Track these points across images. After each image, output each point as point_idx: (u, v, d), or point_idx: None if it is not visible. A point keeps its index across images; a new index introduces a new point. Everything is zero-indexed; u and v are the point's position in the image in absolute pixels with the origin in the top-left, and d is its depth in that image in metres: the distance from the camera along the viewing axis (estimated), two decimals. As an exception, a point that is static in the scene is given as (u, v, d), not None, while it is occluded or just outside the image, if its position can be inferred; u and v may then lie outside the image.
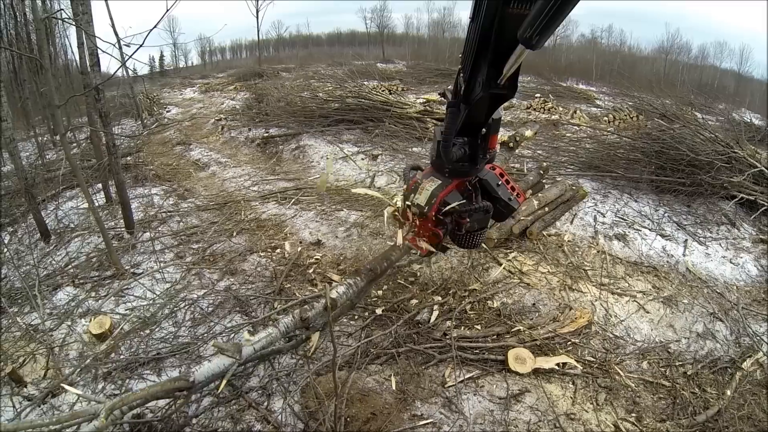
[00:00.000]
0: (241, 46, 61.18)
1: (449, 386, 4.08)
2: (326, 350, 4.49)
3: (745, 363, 4.55)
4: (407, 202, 2.85)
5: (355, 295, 2.70)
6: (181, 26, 51.21)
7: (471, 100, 2.42)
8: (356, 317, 4.96)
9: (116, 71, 6.75)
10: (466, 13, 2.20)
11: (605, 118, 13.41)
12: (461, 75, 2.49)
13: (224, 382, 2.33)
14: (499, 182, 2.93)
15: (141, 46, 5.08)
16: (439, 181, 2.83)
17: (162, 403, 3.97)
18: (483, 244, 3.33)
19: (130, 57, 5.56)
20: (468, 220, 2.80)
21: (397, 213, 2.98)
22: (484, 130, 2.74)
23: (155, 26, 5.08)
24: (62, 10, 9.98)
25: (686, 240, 6.47)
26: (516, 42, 1.68)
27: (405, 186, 2.99)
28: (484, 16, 1.95)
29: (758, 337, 4.90)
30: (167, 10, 4.98)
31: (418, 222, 2.86)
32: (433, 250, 3.10)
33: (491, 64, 2.09)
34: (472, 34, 2.16)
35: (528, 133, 6.84)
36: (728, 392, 4.19)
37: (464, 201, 2.87)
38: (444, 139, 2.67)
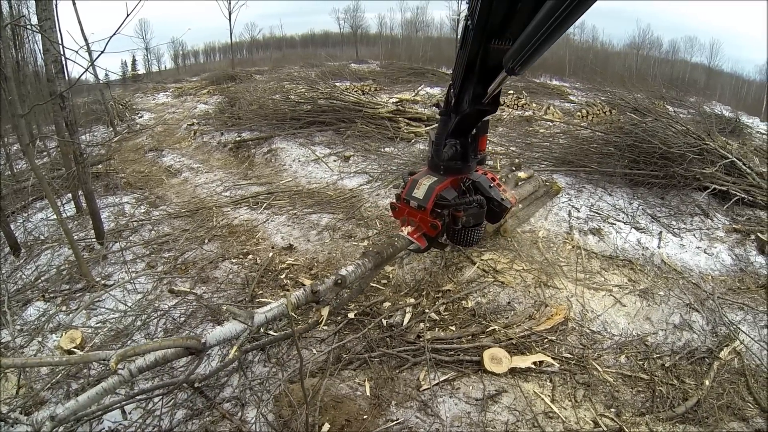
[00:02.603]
0: (214, 49, 60.78)
1: (424, 389, 4.02)
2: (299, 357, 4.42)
3: (722, 352, 4.56)
4: (406, 198, 3.02)
5: (362, 278, 2.78)
6: (153, 30, 50.81)
7: (460, 112, 2.72)
8: (328, 322, 4.87)
9: (79, 77, 6.58)
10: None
11: (578, 113, 13.51)
12: (452, 90, 2.77)
13: (235, 348, 2.36)
14: (491, 184, 3.25)
15: (102, 52, 4.96)
16: (435, 178, 3.07)
17: (136, 415, 3.92)
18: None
19: (92, 63, 5.43)
20: (463, 213, 3.05)
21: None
22: (474, 131, 3.03)
23: (116, 32, 4.94)
24: (23, 17, 9.76)
25: (661, 232, 6.48)
26: (497, 68, 1.98)
27: (403, 185, 3.15)
28: (470, 48, 2.17)
29: (734, 326, 4.91)
30: (128, 15, 4.85)
31: (417, 216, 3.03)
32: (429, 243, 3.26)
33: (477, 85, 2.40)
34: (460, 60, 2.41)
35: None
36: (707, 382, 4.20)
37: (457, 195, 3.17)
38: (436, 142, 2.98)
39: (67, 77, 6.63)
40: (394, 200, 3.37)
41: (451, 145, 3.01)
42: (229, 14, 34.66)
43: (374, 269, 2.98)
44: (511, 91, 15.30)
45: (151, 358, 2.13)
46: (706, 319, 5.04)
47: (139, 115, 18.94)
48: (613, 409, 3.95)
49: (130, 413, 3.99)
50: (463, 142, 3.04)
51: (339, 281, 2.46)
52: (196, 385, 4.15)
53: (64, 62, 6.48)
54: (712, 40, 44.99)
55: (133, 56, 51.35)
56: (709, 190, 7.00)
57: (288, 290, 5.49)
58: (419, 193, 3.02)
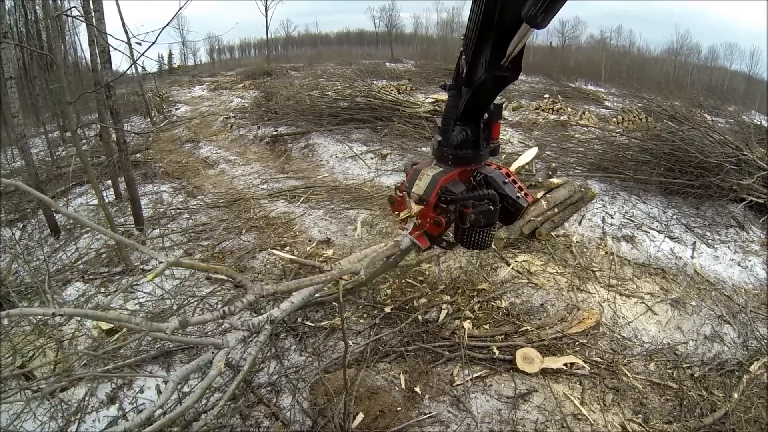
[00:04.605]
0: (249, 45, 60.89)
1: (457, 385, 4.11)
2: (335, 347, 4.54)
3: (752, 366, 4.55)
4: (406, 191, 2.78)
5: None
6: (190, 24, 51.44)
7: (473, 83, 2.34)
8: (365, 315, 5.00)
9: (127, 69, 6.84)
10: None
11: (614, 120, 13.37)
12: (463, 57, 2.40)
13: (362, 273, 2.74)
14: (506, 180, 2.80)
15: (153, 43, 5.15)
16: (441, 168, 2.72)
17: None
18: (492, 245, 3.11)
19: (142, 55, 5.61)
20: (471, 210, 2.66)
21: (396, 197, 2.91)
22: (486, 115, 2.68)
23: (168, 24, 5.14)
24: (74, 7, 10.07)
25: (695, 242, 6.45)
26: (519, 22, 1.65)
27: (405, 177, 2.86)
28: None
29: (766, 340, 4.89)
30: (180, 9, 5.05)
31: (417, 211, 2.71)
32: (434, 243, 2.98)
33: (494, 46, 2.00)
34: (474, 15, 2.08)
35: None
36: (735, 395, 4.20)
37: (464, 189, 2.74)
38: (444, 122, 2.57)
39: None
40: (394, 193, 2.89)
41: (461, 129, 2.62)
42: (266, 11, 35.12)
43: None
44: (547, 95, 15.22)
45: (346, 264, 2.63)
46: (738, 332, 5.03)
47: (176, 107, 19.29)
48: (641, 415, 3.99)
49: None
50: (474, 128, 2.64)
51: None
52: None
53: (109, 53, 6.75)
54: (752, 47, 43.66)
55: (170, 50, 52.06)
56: (746, 202, 6.91)
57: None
58: (421, 184, 2.64)
